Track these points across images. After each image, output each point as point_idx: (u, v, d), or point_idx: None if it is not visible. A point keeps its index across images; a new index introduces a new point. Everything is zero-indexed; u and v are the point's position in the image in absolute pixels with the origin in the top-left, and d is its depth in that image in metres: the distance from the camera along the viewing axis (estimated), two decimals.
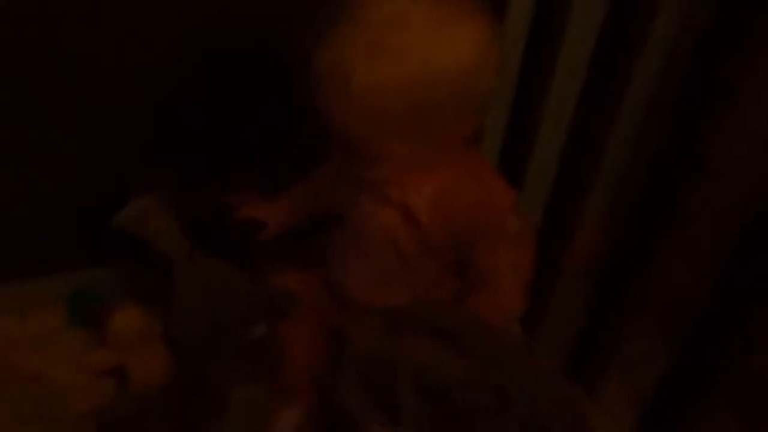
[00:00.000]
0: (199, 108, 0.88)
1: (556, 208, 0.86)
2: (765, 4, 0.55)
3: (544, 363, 0.70)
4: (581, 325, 0.83)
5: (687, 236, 0.70)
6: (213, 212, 0.84)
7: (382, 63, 0.56)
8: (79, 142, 0.85)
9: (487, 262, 0.72)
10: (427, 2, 0.58)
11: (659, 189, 0.69)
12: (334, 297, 0.80)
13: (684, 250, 0.73)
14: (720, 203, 0.92)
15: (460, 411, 0.57)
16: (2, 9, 0.73)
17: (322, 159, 0.79)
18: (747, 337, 0.61)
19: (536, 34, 0.84)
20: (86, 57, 0.79)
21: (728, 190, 0.92)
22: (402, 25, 0.56)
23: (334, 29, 0.58)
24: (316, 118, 0.61)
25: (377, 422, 0.58)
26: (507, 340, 0.67)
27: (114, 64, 0.81)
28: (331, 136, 0.62)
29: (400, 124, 0.59)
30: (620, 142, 1.12)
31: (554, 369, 0.85)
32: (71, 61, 0.79)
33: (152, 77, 0.84)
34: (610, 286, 0.78)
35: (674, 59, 1.07)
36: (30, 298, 0.83)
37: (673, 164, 0.67)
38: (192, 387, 0.75)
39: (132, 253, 0.81)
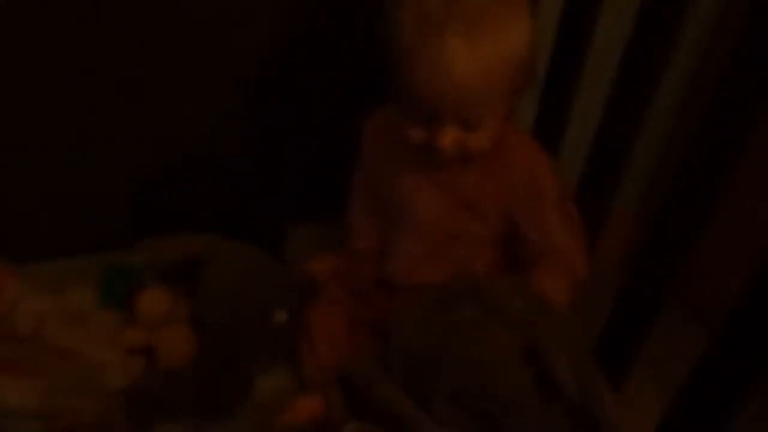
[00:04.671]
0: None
1: (586, 197, 0.85)
2: None
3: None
4: (611, 315, 0.82)
5: (722, 226, 0.69)
6: None
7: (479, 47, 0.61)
8: (116, 124, 0.86)
9: (538, 228, 0.73)
10: None
11: (695, 179, 0.68)
12: (374, 284, 0.81)
13: (719, 240, 0.71)
14: (757, 194, 0.90)
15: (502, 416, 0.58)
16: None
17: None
18: None
19: (568, 22, 0.84)
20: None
21: (765, 180, 0.89)
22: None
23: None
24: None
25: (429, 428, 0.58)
26: (543, 300, 0.66)
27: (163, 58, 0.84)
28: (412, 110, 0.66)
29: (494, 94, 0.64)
30: (655, 132, 1.11)
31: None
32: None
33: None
34: (642, 276, 0.76)
35: (712, 50, 1.05)
36: (65, 276, 0.84)
37: (709, 152, 0.66)
38: (216, 368, 0.76)
39: (164, 235, 0.83)
